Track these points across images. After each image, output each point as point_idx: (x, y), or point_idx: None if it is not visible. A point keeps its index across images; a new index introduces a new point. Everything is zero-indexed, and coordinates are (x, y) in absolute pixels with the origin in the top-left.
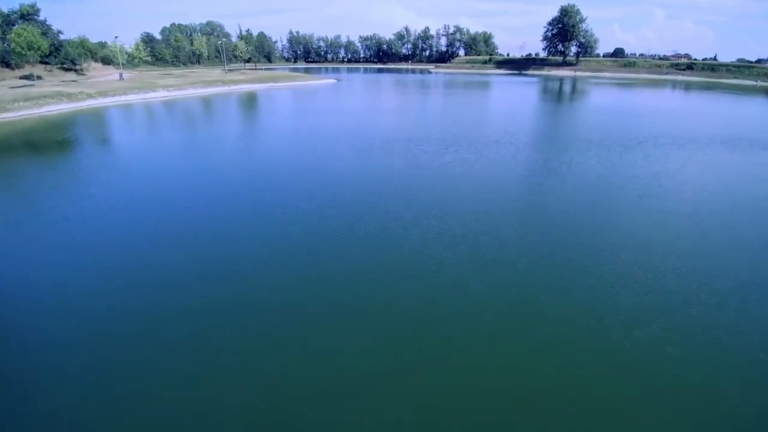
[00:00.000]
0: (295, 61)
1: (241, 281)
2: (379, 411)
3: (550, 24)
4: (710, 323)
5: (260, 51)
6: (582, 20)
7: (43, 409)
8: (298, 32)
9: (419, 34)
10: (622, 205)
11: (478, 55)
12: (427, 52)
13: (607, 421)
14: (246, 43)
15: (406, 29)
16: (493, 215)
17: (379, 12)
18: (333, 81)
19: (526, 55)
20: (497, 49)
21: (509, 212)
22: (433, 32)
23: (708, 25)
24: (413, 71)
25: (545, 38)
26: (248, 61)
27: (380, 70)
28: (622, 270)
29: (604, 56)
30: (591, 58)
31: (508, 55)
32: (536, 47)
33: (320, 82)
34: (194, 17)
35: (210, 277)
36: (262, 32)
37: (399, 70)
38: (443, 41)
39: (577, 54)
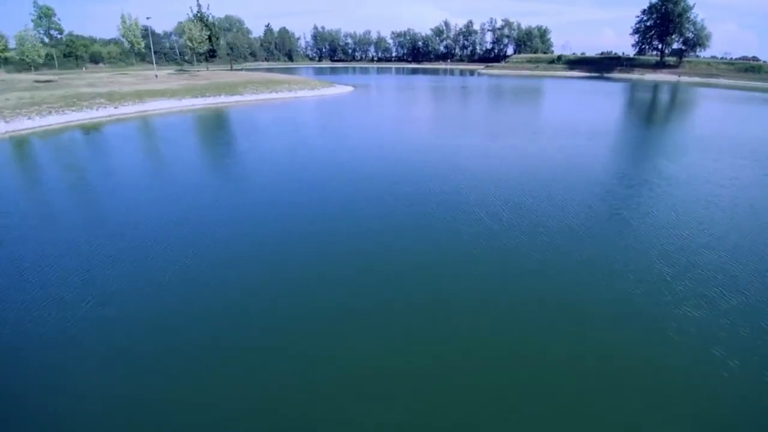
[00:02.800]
0: (320, 60)
1: (238, 284)
2: (380, 411)
3: (645, 13)
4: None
5: (280, 49)
6: (689, 8)
7: (44, 412)
8: (323, 28)
9: (460, 29)
10: None
11: (534, 53)
12: (469, 50)
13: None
14: (206, 27)
15: (446, 23)
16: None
17: (411, 12)
18: (348, 90)
19: (606, 53)
20: (552, 46)
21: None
22: (476, 27)
23: (748, 27)
24: (452, 72)
25: (637, 31)
26: (212, 55)
27: (414, 71)
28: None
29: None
30: (699, 59)
31: (549, 52)
32: (581, 46)
33: (323, 92)
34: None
35: (206, 281)
36: (284, 27)
37: (436, 71)
38: (488, 37)
39: (680, 53)
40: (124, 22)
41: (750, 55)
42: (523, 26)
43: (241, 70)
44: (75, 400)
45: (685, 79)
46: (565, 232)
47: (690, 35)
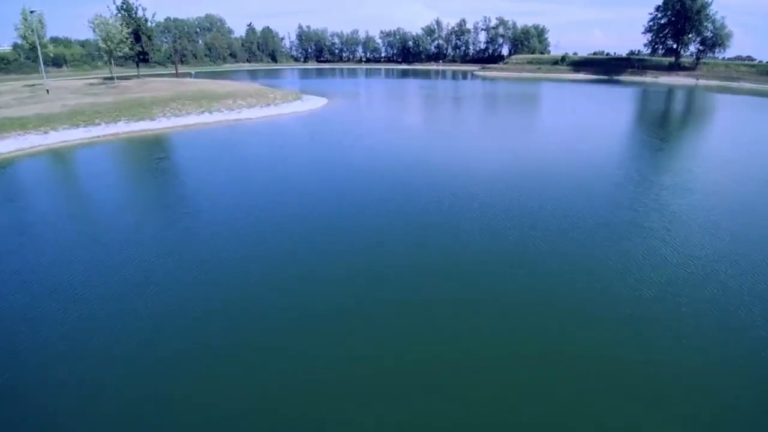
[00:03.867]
0: (305, 61)
1: (238, 286)
2: (381, 411)
3: (659, 9)
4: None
5: (263, 49)
6: (708, 4)
7: (43, 413)
8: (308, 27)
9: (452, 28)
10: None
11: (531, 53)
12: (462, 50)
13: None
14: (133, 21)
15: (437, 22)
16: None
17: (401, 13)
18: (319, 104)
19: (629, 53)
20: (549, 46)
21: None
22: (469, 26)
23: (739, 27)
24: (444, 74)
25: (649, 30)
26: (144, 59)
27: (404, 73)
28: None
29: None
30: (716, 60)
31: (546, 52)
32: (573, 47)
33: (282, 110)
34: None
35: (207, 280)
36: (268, 27)
37: (428, 73)
38: (482, 37)
39: (697, 54)
40: (24, 19)
41: (744, 54)
42: (519, 25)
43: (190, 74)
44: (74, 400)
45: (703, 82)
46: (565, 232)
47: (708, 34)
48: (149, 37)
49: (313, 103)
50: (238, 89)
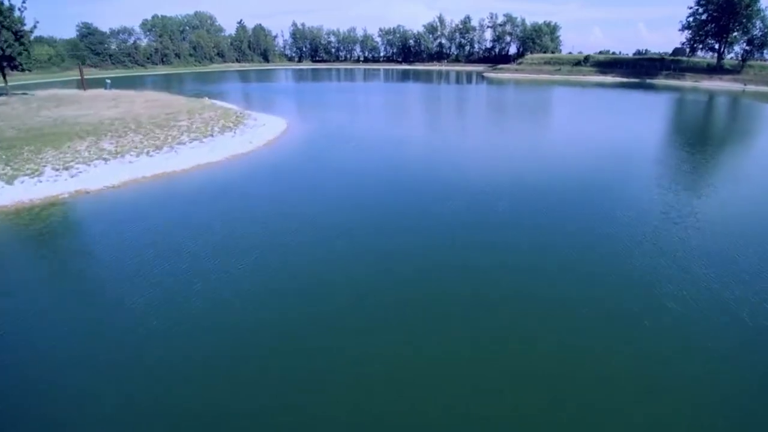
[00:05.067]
0: (300, 61)
1: (240, 283)
2: (384, 410)
3: (700, 4)
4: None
5: (254, 48)
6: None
7: (45, 417)
8: (303, 24)
9: (456, 25)
10: None
11: (543, 52)
12: (467, 49)
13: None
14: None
15: (440, 19)
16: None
17: (399, 14)
18: (262, 139)
19: (635, 53)
20: (560, 45)
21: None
22: (475, 23)
23: None
24: (447, 75)
25: (688, 26)
26: (12, 66)
27: (405, 74)
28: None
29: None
30: (766, 63)
31: (557, 51)
32: (578, 46)
33: (182, 162)
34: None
35: (210, 279)
36: (260, 25)
37: (430, 75)
38: (488, 35)
39: (743, 55)
40: None
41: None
42: (528, 22)
43: (106, 83)
44: (74, 403)
45: (751, 88)
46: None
47: (757, 32)
48: (18, 36)
49: (254, 134)
50: (131, 115)
